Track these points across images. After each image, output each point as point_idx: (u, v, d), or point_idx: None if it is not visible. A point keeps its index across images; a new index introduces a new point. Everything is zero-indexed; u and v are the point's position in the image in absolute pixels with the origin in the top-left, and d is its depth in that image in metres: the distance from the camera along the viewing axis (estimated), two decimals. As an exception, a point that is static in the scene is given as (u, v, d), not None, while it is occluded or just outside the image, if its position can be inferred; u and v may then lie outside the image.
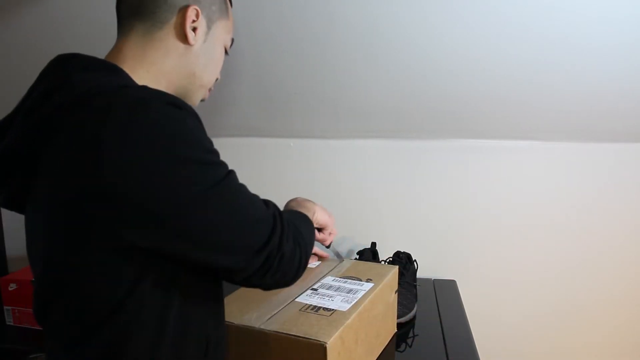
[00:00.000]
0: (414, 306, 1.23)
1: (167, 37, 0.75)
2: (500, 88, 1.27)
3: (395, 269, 1.07)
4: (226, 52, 0.87)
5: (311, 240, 0.82)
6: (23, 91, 0.68)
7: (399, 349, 1.08)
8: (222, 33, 0.83)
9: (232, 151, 1.55)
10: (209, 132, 0.65)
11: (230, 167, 0.68)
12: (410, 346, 1.10)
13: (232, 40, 0.88)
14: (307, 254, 0.76)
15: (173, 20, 0.75)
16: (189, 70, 0.78)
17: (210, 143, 0.65)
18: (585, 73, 1.21)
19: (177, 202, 0.59)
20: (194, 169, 0.60)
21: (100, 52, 0.76)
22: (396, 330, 1.13)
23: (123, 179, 0.56)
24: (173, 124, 0.59)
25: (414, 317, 1.22)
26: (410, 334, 1.14)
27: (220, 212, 0.63)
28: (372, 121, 1.43)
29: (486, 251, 1.49)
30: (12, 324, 1.34)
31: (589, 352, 1.51)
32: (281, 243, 0.69)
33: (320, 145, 1.51)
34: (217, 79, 0.87)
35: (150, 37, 0.75)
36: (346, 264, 1.11)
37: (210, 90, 0.87)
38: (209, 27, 0.79)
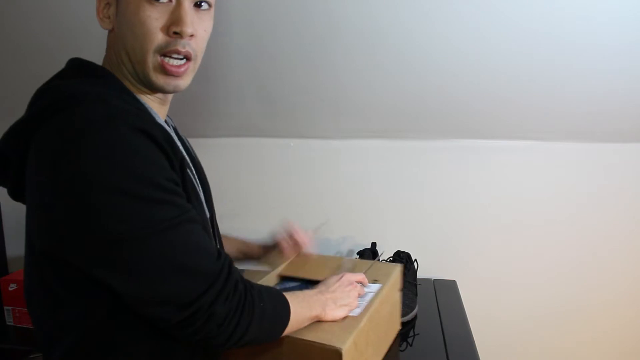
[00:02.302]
0: (415, 305, 1.24)
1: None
2: (500, 88, 1.28)
3: (399, 267, 1.07)
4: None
5: (276, 320, 0.72)
6: (31, 91, 0.68)
7: (400, 348, 1.08)
8: None
9: (232, 151, 1.55)
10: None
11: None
12: (411, 345, 1.10)
13: None
14: (255, 327, 0.67)
15: None
16: (122, 53, 0.70)
17: (167, 178, 0.61)
18: (586, 74, 1.21)
19: (103, 237, 0.56)
20: (131, 205, 0.56)
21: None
22: (400, 328, 1.13)
23: (58, 200, 0.57)
24: (121, 152, 0.57)
25: (416, 316, 1.22)
26: (411, 334, 1.15)
27: (149, 258, 0.58)
28: (372, 121, 1.43)
29: (486, 251, 1.50)
30: (12, 324, 1.34)
31: (589, 352, 1.52)
32: (215, 302, 0.61)
33: (320, 145, 1.51)
34: (177, 34, 0.67)
35: None
36: (348, 264, 1.11)
37: (169, 52, 0.68)
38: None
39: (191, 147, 0.88)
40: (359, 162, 1.51)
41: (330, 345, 0.77)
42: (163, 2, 0.67)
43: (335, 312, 0.83)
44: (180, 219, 0.60)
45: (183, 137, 0.87)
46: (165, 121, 0.81)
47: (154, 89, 0.72)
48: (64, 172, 0.56)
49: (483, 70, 1.23)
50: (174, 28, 0.67)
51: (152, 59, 0.68)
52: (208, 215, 0.76)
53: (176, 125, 0.89)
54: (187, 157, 0.78)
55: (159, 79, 0.69)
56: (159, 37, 0.67)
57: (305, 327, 0.83)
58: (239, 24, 1.20)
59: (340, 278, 0.89)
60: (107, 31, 0.73)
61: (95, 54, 0.76)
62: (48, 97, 0.63)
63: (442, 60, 1.23)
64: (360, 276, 0.95)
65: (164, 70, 0.69)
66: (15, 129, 0.64)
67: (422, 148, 1.47)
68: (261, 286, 0.72)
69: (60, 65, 0.72)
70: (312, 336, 0.79)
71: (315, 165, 1.53)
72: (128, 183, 0.56)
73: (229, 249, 1.02)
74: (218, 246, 0.81)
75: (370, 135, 1.47)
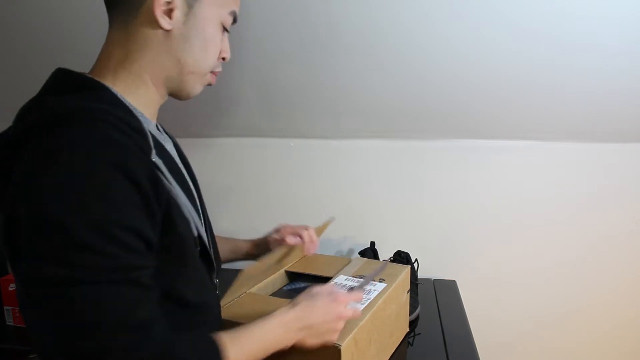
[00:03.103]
0: (418, 305, 1.24)
1: (143, 26, 0.70)
2: (500, 88, 1.28)
3: (407, 269, 1.07)
4: (226, 29, 0.78)
5: None
6: (28, 91, 0.68)
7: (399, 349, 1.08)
8: (212, 9, 0.73)
9: (232, 151, 1.55)
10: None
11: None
12: (411, 345, 1.10)
13: (235, 14, 0.79)
14: None
15: (145, 4, 0.69)
16: (173, 58, 0.72)
17: (126, 228, 0.57)
18: (586, 73, 1.21)
19: (29, 272, 0.56)
20: (65, 247, 0.54)
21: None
22: (408, 330, 1.13)
23: (18, 221, 0.56)
24: (85, 190, 0.55)
25: (418, 316, 1.22)
26: (411, 334, 1.15)
27: (62, 306, 0.55)
28: (372, 121, 1.43)
29: (486, 251, 1.50)
30: (12, 324, 1.34)
31: (588, 352, 1.52)
32: None
33: (320, 145, 1.51)
34: (224, 59, 0.79)
35: (128, 28, 0.70)
36: (357, 262, 1.11)
37: (215, 73, 0.79)
38: (190, 6, 0.71)
39: (179, 148, 0.87)
40: (359, 162, 1.51)
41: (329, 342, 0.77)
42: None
43: (308, 343, 0.75)
44: (110, 277, 0.56)
45: (172, 137, 0.86)
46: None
47: (186, 96, 0.77)
48: (30, 196, 0.56)
49: (483, 70, 1.23)
50: (224, 54, 0.79)
51: (207, 75, 0.77)
52: (196, 233, 0.72)
53: (165, 125, 0.88)
54: (179, 164, 0.77)
55: (199, 89, 0.78)
56: (216, 60, 0.77)
57: None
58: (238, 24, 1.20)
59: (332, 302, 0.76)
60: (107, 31, 0.72)
61: (95, 55, 0.75)
62: (35, 116, 0.61)
63: (442, 60, 1.23)
64: (359, 296, 0.86)
65: (208, 84, 0.79)
66: (2, 146, 0.63)
67: (422, 148, 1.47)
68: (189, 348, 0.63)
69: (60, 65, 0.72)
70: None
71: (315, 165, 1.53)
72: (75, 223, 0.55)
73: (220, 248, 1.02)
74: (212, 253, 0.80)
75: (370, 135, 1.47)
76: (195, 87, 0.76)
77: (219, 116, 1.48)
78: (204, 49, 0.74)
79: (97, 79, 0.70)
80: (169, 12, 0.70)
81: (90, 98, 0.65)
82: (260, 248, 1.06)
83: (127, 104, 0.70)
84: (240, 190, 1.56)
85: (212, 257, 0.79)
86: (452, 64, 1.23)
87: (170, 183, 0.68)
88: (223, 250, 1.03)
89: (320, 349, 0.77)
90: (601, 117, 1.32)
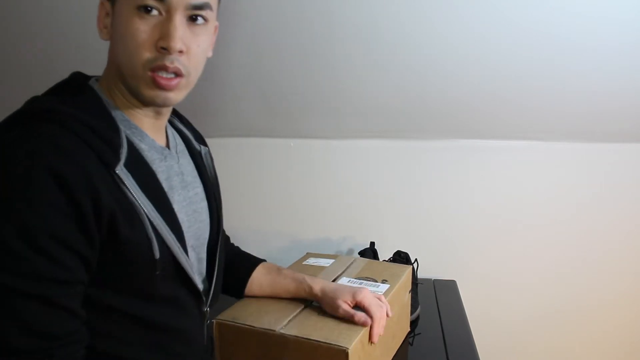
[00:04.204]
0: (418, 305, 1.24)
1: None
2: (500, 88, 1.28)
3: (409, 269, 1.07)
4: (146, 9, 0.64)
5: None
6: (25, 89, 0.68)
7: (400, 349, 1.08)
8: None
9: (232, 151, 1.55)
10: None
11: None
12: (411, 345, 1.10)
13: None
14: None
15: None
16: (115, 65, 0.69)
17: (51, 235, 0.56)
18: (586, 73, 1.21)
19: None
20: None
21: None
22: (409, 330, 1.13)
23: None
24: (15, 194, 0.55)
25: (418, 316, 1.22)
26: (412, 334, 1.15)
27: None
28: (372, 121, 1.43)
29: (486, 251, 1.49)
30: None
31: (588, 352, 1.52)
32: None
33: (320, 145, 1.51)
34: (165, 49, 0.65)
35: None
36: (360, 263, 1.11)
37: (155, 67, 0.65)
38: (112, 3, 0.67)
39: (206, 157, 0.88)
40: (359, 162, 1.51)
41: (336, 345, 0.77)
42: (154, 15, 0.64)
43: None
44: (28, 288, 0.55)
45: (194, 146, 0.87)
46: (167, 132, 0.80)
47: (144, 102, 0.70)
48: None
49: (483, 70, 1.23)
50: (161, 43, 0.65)
51: (142, 74, 0.66)
52: (158, 256, 0.66)
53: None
54: (168, 181, 0.73)
55: (148, 92, 0.67)
56: (148, 52, 0.65)
57: (310, 325, 0.83)
58: (238, 24, 1.20)
59: None
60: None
61: (92, 63, 0.75)
62: (20, 109, 0.63)
63: (442, 60, 1.23)
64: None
65: (155, 84, 0.66)
66: None
67: (422, 148, 1.47)
68: None
69: (57, 69, 0.72)
70: (317, 335, 0.79)
71: (315, 165, 1.53)
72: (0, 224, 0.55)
73: (277, 285, 0.93)
74: (202, 281, 0.79)
75: (370, 135, 1.47)
76: (143, 91, 0.67)
77: (218, 116, 1.47)
78: (124, 46, 0.66)
79: (97, 86, 0.71)
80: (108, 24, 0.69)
81: (71, 101, 0.64)
82: (327, 297, 0.88)
83: (115, 114, 0.69)
84: (240, 190, 1.55)
85: (197, 284, 0.75)
86: (452, 64, 1.23)
87: (136, 199, 0.64)
88: (277, 288, 0.93)
89: (327, 351, 0.77)
90: (601, 117, 1.32)
